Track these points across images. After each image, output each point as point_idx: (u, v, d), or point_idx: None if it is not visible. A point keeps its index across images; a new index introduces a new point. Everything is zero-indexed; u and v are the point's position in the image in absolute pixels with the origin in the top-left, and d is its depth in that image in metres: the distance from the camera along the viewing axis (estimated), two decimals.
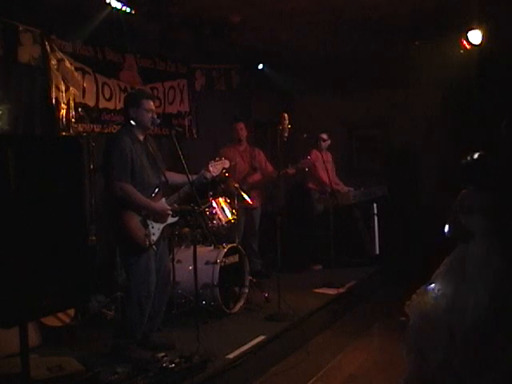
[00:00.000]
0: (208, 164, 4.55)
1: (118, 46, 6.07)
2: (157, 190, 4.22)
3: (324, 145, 7.33)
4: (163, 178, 4.29)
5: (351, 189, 7.44)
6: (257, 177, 6.59)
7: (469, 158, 4.00)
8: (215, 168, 4.55)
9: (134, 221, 4.06)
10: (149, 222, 4.14)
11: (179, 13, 5.97)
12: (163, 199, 4.25)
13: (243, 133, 6.60)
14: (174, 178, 4.45)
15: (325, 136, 7.33)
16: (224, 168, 4.68)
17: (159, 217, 4.20)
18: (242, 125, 6.62)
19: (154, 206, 4.15)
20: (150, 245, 4.10)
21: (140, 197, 4.07)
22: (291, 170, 6.25)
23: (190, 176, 4.23)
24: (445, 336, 3.69)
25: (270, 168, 6.68)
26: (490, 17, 6.21)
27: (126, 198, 4.02)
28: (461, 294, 3.72)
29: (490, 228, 3.83)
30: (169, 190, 4.38)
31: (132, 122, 4.17)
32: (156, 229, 4.18)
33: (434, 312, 3.79)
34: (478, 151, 3.98)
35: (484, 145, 4.21)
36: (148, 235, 4.10)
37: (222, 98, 7.68)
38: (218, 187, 5.72)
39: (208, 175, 4.49)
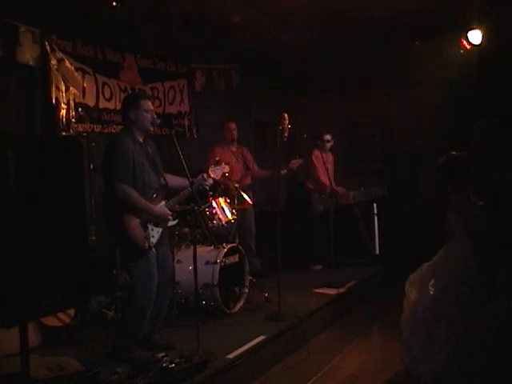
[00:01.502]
0: (208, 169, 4.55)
1: (117, 45, 6.07)
2: (156, 192, 4.22)
3: (327, 146, 7.34)
4: (163, 181, 4.29)
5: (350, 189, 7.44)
6: (250, 178, 6.58)
7: (443, 158, 4.04)
8: (215, 173, 4.56)
9: (134, 223, 4.05)
10: (148, 224, 4.14)
11: (179, 13, 5.97)
12: (163, 202, 4.25)
13: (236, 133, 6.53)
14: (174, 180, 4.45)
15: (328, 137, 7.33)
16: (224, 172, 4.69)
17: (159, 221, 4.20)
18: (234, 125, 6.53)
19: (154, 211, 4.14)
20: (150, 247, 4.10)
21: (141, 200, 4.06)
22: (283, 171, 6.24)
23: (189, 177, 4.22)
24: (411, 319, 4.00)
25: (255, 167, 6.66)
26: (490, 17, 6.21)
27: (127, 200, 4.02)
28: (428, 284, 3.97)
29: (460, 227, 3.90)
30: (169, 193, 4.38)
31: (132, 123, 4.18)
32: (155, 231, 4.18)
33: (410, 299, 4.09)
34: (453, 151, 4.02)
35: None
36: (147, 237, 4.09)
37: (222, 98, 7.67)
38: (218, 187, 5.72)
39: (208, 182, 4.48)
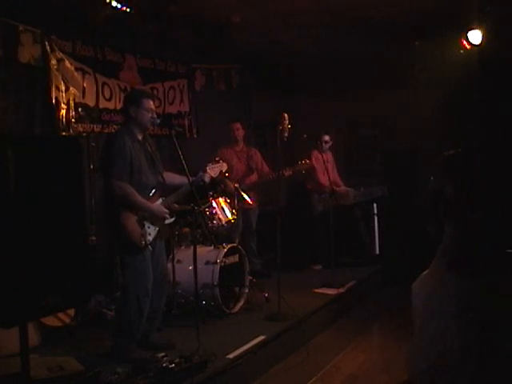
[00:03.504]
0: (206, 166, 4.56)
1: (117, 45, 6.07)
2: (154, 190, 4.22)
3: (326, 146, 7.34)
4: (161, 179, 4.30)
5: (351, 189, 7.45)
6: (253, 178, 6.59)
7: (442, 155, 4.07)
8: (213, 171, 4.56)
9: (131, 220, 4.06)
10: (145, 221, 4.15)
11: (179, 13, 5.97)
12: (160, 199, 4.25)
13: (240, 133, 6.60)
14: (173, 178, 4.46)
15: (327, 138, 7.33)
16: (222, 171, 4.70)
17: (156, 219, 4.20)
18: (238, 125, 6.61)
19: (151, 208, 4.15)
20: (146, 245, 4.11)
21: (138, 197, 4.07)
22: (287, 172, 6.23)
23: (189, 177, 4.23)
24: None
25: (265, 168, 6.69)
26: (490, 17, 6.21)
27: (124, 197, 4.03)
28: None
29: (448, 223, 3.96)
30: (167, 190, 4.38)
31: (131, 120, 4.18)
32: (152, 229, 4.19)
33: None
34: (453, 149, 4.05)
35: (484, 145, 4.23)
36: (144, 235, 4.10)
37: (222, 98, 7.67)
38: (218, 187, 5.72)
39: (206, 178, 4.50)
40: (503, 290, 3.70)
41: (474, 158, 3.97)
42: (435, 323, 3.82)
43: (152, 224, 4.19)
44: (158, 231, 4.24)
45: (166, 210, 4.23)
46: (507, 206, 3.91)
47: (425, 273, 4.06)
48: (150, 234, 4.16)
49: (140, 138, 4.24)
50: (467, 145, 4.10)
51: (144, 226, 4.13)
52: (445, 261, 3.87)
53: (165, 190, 4.34)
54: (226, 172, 5.41)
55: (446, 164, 3.98)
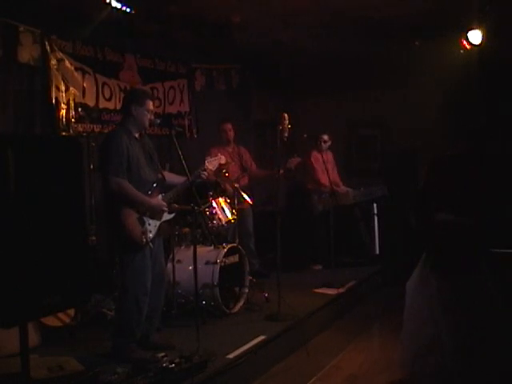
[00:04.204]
0: (204, 161, 4.56)
1: (117, 46, 6.08)
2: (154, 186, 4.23)
3: (325, 146, 7.34)
4: (160, 175, 4.30)
5: (351, 189, 7.44)
6: (246, 179, 6.57)
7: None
8: (211, 164, 4.57)
9: (131, 218, 4.06)
10: (145, 219, 4.15)
11: (179, 13, 5.97)
12: (160, 196, 4.26)
13: (232, 133, 6.52)
14: (172, 178, 4.46)
15: (326, 137, 7.33)
16: (220, 164, 4.71)
17: (155, 212, 4.21)
18: (230, 125, 6.53)
19: (149, 202, 4.16)
20: (147, 242, 4.11)
21: (136, 192, 4.07)
22: (280, 171, 6.21)
23: (189, 176, 4.23)
24: None
25: (253, 167, 6.66)
26: (490, 17, 6.21)
27: (121, 193, 4.03)
28: None
29: None
30: (166, 188, 4.39)
31: (131, 118, 4.19)
32: (152, 226, 4.19)
33: None
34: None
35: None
36: (145, 232, 4.10)
37: (222, 98, 7.68)
38: (218, 187, 5.72)
39: (204, 173, 4.50)
40: (487, 288, 3.70)
41: (461, 163, 3.98)
42: (419, 320, 3.83)
43: (152, 219, 4.19)
44: (158, 228, 4.25)
45: (165, 204, 4.24)
46: (505, 206, 3.91)
47: (415, 272, 4.08)
48: (150, 232, 4.16)
49: (137, 135, 4.25)
50: (461, 147, 4.09)
51: (144, 223, 4.14)
52: (428, 261, 3.90)
53: (164, 186, 4.35)
54: (226, 172, 5.44)
55: (430, 163, 4.03)
